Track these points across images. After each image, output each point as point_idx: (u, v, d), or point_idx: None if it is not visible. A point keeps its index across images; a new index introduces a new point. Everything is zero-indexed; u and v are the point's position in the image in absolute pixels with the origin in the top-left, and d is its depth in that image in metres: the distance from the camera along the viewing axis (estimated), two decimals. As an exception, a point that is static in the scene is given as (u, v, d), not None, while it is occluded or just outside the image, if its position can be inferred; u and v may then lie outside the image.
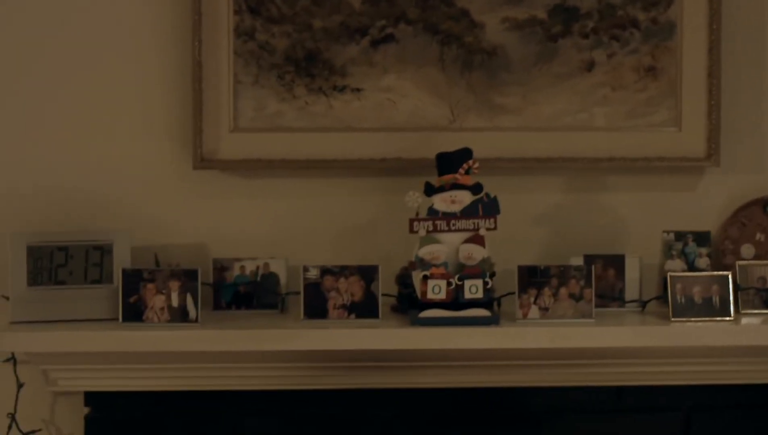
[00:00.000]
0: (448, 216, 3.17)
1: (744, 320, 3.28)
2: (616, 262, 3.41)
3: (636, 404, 3.39)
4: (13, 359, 3.40)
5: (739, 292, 3.32)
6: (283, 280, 3.39)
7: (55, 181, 3.49)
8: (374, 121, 3.45)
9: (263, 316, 3.33)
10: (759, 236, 3.50)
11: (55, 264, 3.29)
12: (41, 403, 3.48)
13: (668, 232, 3.46)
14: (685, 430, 3.40)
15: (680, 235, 3.46)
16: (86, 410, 3.38)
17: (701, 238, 3.46)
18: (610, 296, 3.40)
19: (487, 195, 3.18)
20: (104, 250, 3.30)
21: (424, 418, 3.39)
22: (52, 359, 3.26)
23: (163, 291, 3.20)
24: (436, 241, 3.16)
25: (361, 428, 3.39)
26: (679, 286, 3.25)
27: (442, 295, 3.15)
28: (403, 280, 3.35)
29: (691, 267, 3.43)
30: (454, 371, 3.29)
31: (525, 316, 3.21)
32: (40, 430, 3.47)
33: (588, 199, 3.54)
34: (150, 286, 3.20)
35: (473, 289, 3.14)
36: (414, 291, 3.21)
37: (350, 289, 3.23)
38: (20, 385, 3.41)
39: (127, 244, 3.31)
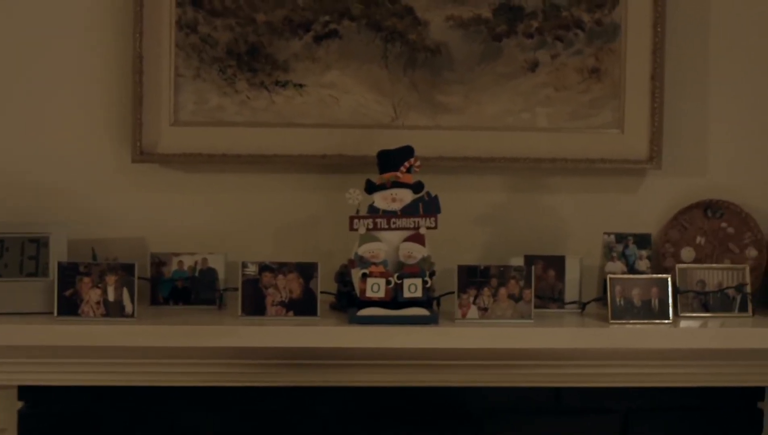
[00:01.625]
0: (388, 214, 3.16)
1: (683, 323, 3.29)
2: (557, 263, 3.41)
3: (574, 406, 3.39)
4: (-55, 352, 3.36)
5: (678, 295, 3.33)
6: (221, 275, 3.37)
7: (-9, 171, 3.46)
8: (316, 117, 3.43)
9: (201, 312, 3.30)
10: (699, 239, 3.51)
11: (-10, 256, 3.26)
12: (-26, 397, 3.44)
13: (609, 234, 3.47)
14: (622, 432, 3.41)
15: (621, 237, 3.47)
16: (20, 404, 3.33)
17: (642, 240, 3.47)
18: (550, 297, 3.40)
19: (428, 194, 3.17)
20: (40, 243, 3.26)
21: (363, 416, 3.38)
22: (-16, 352, 3.23)
23: (99, 285, 3.16)
24: (376, 240, 3.15)
25: (300, 425, 3.37)
26: (618, 288, 3.26)
27: (381, 294, 3.13)
28: (343, 277, 3.33)
29: (631, 269, 3.45)
30: (392, 370, 3.28)
31: (464, 315, 3.20)
32: (-28, 424, 3.43)
33: (529, 200, 3.54)
34: (86, 279, 3.17)
35: (412, 287, 3.13)
36: (353, 289, 3.19)
37: (289, 286, 3.21)
38: (-48, 379, 3.38)
39: (64, 236, 3.28)
